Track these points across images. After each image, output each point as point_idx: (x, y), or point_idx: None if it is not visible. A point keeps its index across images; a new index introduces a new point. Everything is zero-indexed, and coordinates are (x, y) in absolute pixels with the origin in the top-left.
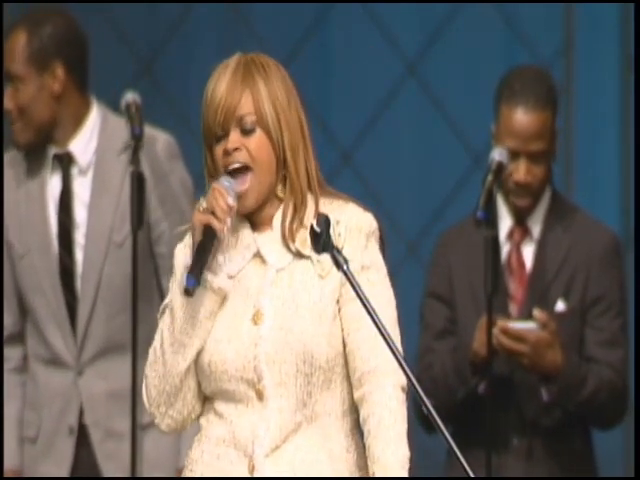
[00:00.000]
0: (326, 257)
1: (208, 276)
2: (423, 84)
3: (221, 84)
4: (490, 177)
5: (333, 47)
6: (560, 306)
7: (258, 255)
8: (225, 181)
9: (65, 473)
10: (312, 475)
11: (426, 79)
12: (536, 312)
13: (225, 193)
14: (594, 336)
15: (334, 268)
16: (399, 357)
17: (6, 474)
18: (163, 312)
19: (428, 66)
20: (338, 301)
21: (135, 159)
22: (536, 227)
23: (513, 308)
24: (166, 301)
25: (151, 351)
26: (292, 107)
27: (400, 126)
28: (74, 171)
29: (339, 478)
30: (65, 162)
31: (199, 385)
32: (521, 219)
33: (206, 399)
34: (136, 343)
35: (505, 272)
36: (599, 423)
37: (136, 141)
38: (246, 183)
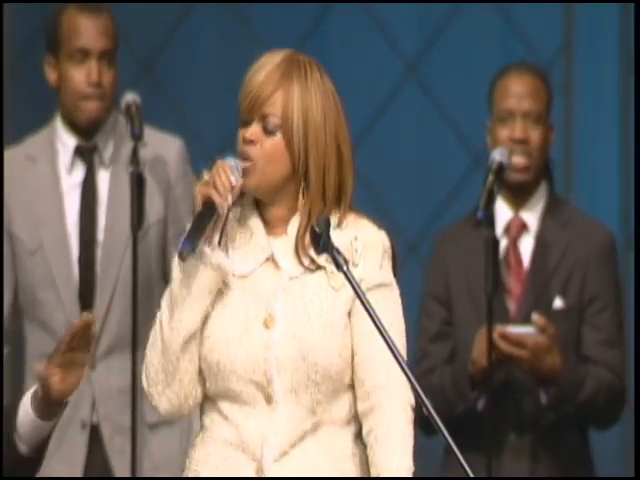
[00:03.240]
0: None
1: (207, 250)
2: (423, 84)
3: (260, 73)
4: (491, 177)
5: (333, 47)
6: (558, 303)
7: (271, 259)
8: (232, 160)
9: (78, 467)
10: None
11: (426, 79)
12: (535, 316)
13: (229, 170)
14: (592, 336)
15: (347, 283)
16: (407, 371)
17: None
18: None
19: (428, 66)
20: (350, 314)
21: (135, 159)
22: (533, 221)
23: (511, 304)
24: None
25: (152, 332)
26: (328, 123)
27: (400, 126)
28: (97, 165)
29: (340, 478)
30: (88, 155)
31: (198, 375)
32: (518, 199)
33: (208, 399)
34: (136, 342)
35: (502, 268)
36: (597, 423)
37: (136, 141)
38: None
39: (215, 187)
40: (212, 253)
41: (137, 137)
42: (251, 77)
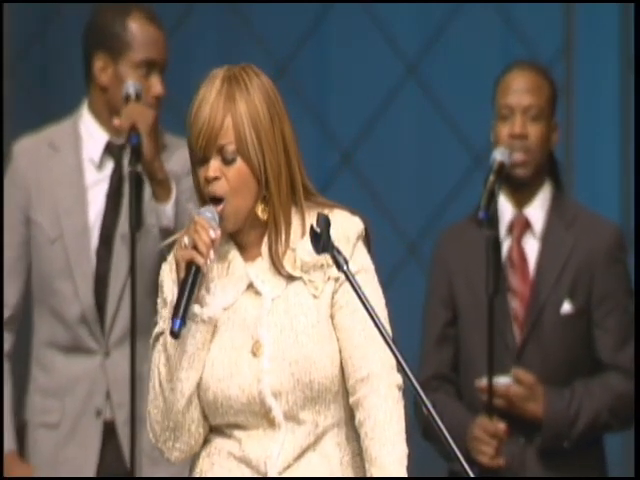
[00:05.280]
0: (317, 275)
1: (196, 309)
2: (423, 84)
3: (205, 107)
4: (492, 177)
5: (333, 47)
6: (567, 307)
7: (251, 286)
8: (207, 212)
9: (93, 455)
10: None
11: (426, 79)
12: (516, 371)
13: (207, 226)
14: (604, 339)
15: (326, 285)
16: (397, 355)
17: (6, 458)
18: (156, 339)
19: (428, 66)
20: (331, 315)
21: (133, 160)
22: (537, 219)
23: (515, 302)
24: (158, 329)
25: (150, 388)
26: (275, 124)
27: (400, 126)
28: (124, 162)
29: (338, 478)
30: (117, 152)
31: (203, 413)
32: (520, 197)
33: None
34: (135, 338)
35: (506, 266)
36: (608, 432)
37: (135, 146)
38: (221, 209)
39: (196, 248)
40: (202, 310)
41: (135, 144)
42: (196, 112)
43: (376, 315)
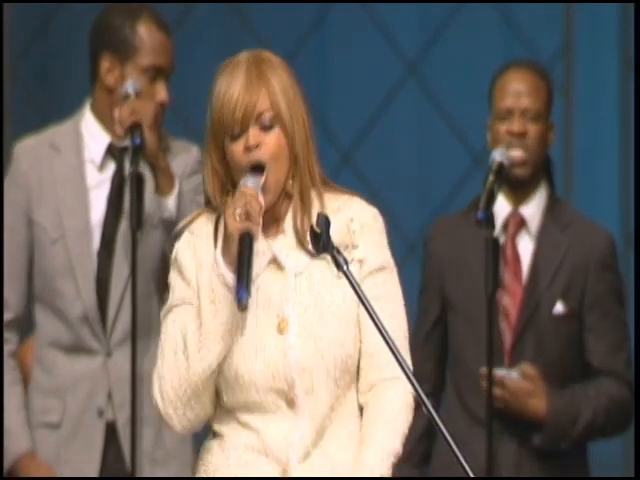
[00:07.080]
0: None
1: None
2: (423, 84)
3: (236, 82)
4: (491, 177)
5: (333, 47)
6: (559, 308)
7: (274, 261)
8: (249, 182)
9: (96, 456)
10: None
11: (426, 79)
12: (523, 365)
13: (256, 194)
14: (595, 344)
15: (351, 265)
16: (398, 355)
17: (19, 459)
18: (169, 311)
19: (428, 66)
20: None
21: (135, 159)
22: (532, 219)
23: (506, 300)
24: (172, 302)
25: (170, 353)
26: (299, 102)
27: (400, 126)
28: (126, 164)
29: (337, 478)
30: (119, 155)
31: (215, 389)
32: (517, 195)
33: (222, 408)
34: (136, 339)
35: (500, 263)
36: (602, 438)
37: (137, 146)
38: (264, 179)
39: (249, 217)
40: None
41: (137, 146)
42: (228, 89)
43: (376, 316)
